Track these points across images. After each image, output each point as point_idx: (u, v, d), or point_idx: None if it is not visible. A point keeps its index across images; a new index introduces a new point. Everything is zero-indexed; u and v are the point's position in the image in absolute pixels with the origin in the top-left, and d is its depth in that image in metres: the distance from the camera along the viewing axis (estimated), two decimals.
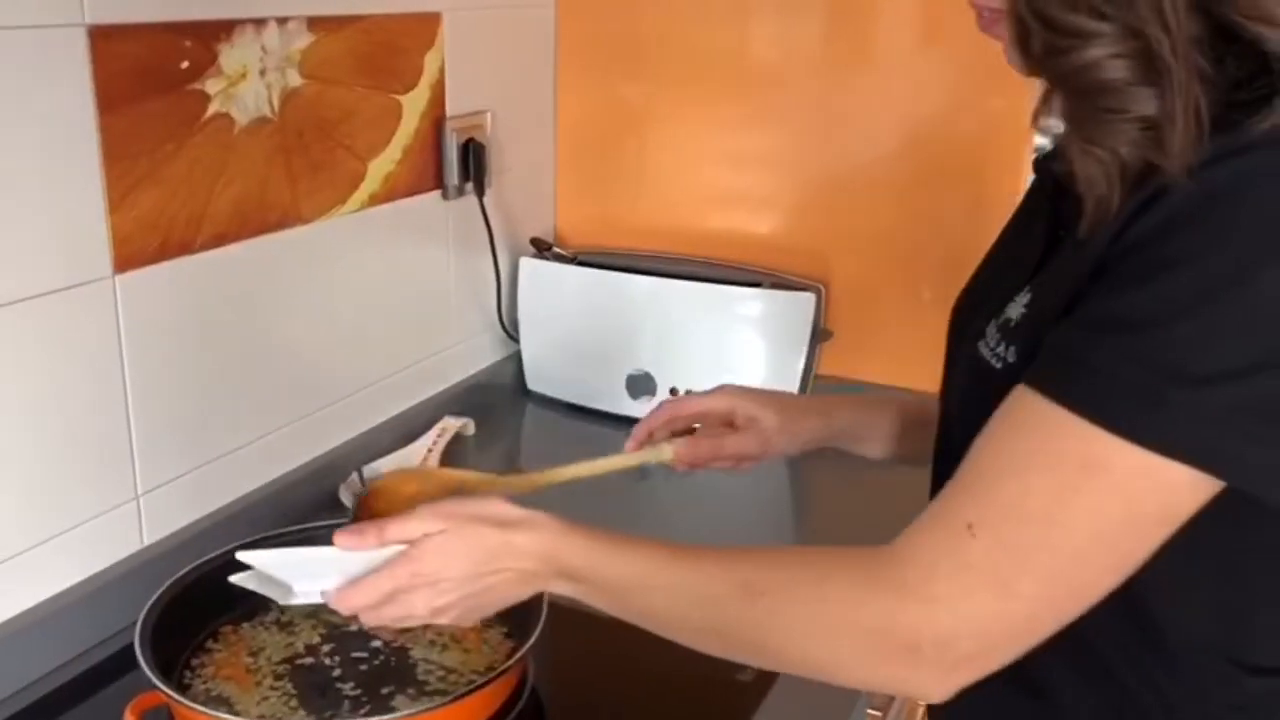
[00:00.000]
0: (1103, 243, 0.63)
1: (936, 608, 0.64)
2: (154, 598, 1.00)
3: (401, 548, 0.77)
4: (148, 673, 0.92)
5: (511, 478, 0.98)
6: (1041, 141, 1.59)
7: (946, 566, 0.64)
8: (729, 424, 0.99)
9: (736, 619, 0.72)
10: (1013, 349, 0.69)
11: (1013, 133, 1.52)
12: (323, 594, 0.80)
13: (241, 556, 0.82)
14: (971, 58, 1.50)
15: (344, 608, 0.79)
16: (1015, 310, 0.71)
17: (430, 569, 0.76)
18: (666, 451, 0.98)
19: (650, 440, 1.00)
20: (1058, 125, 0.69)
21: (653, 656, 1.10)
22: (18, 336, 0.99)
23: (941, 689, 0.67)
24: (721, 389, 1.00)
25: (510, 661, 0.97)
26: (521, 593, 0.79)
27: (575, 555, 0.76)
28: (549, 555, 0.77)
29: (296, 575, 0.81)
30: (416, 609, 0.78)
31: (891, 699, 1.18)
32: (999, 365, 0.70)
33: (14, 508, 1.01)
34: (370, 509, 0.96)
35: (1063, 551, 0.63)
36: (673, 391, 1.60)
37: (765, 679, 1.06)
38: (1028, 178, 1.52)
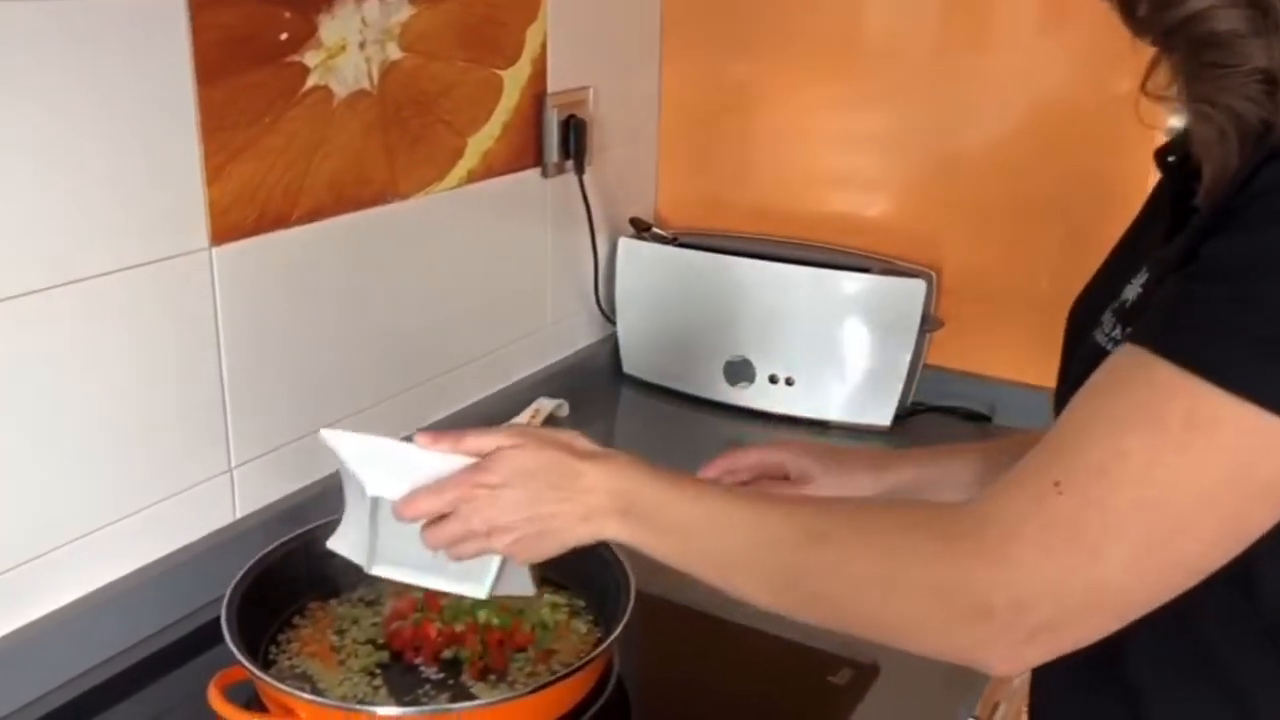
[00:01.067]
0: (1220, 199, 0.59)
1: (1015, 569, 0.60)
2: (241, 572, 1.00)
3: (474, 460, 0.78)
4: (232, 648, 0.91)
5: None
6: (1173, 123, 1.52)
7: (1029, 526, 0.60)
8: (784, 476, 0.97)
9: (802, 566, 0.69)
10: (1127, 331, 0.65)
11: (1141, 122, 1.42)
12: (390, 499, 0.80)
13: (325, 434, 0.83)
14: (1097, 38, 1.42)
15: (406, 515, 0.78)
16: (1132, 291, 0.68)
17: (497, 479, 0.76)
18: None
19: None
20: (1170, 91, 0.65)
21: (744, 652, 1.08)
22: (116, 307, 0.99)
23: (1012, 660, 0.62)
24: (781, 444, 0.99)
25: (596, 651, 0.94)
26: (581, 532, 0.77)
27: (647, 492, 0.75)
28: (621, 491, 0.75)
29: (371, 471, 0.81)
30: (475, 523, 0.76)
31: (996, 706, 1.13)
32: (1111, 347, 0.65)
33: (110, 478, 1.02)
34: None
35: (1160, 516, 0.57)
36: (771, 380, 1.55)
37: (860, 682, 1.02)
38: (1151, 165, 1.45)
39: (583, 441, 0.79)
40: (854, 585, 0.66)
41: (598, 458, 0.77)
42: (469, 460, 0.79)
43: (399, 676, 0.97)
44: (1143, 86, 0.67)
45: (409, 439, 0.81)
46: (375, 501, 0.81)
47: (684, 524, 0.74)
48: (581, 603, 1.07)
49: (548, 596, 1.07)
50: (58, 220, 0.93)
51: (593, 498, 0.76)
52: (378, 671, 0.97)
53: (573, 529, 0.77)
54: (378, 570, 0.87)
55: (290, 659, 1.00)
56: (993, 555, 0.60)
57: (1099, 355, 0.65)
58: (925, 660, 1.05)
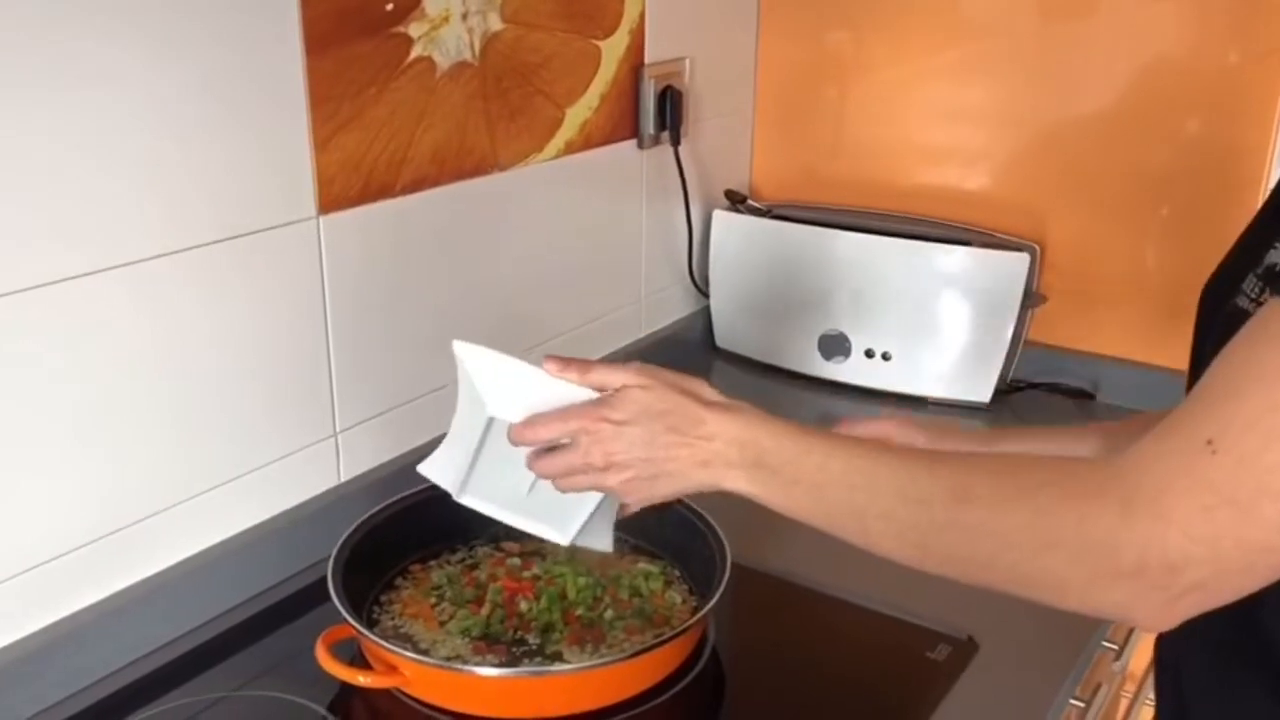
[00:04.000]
0: None
1: (1169, 528, 0.58)
2: (347, 534, 1.02)
3: (599, 394, 0.78)
4: (339, 607, 0.93)
5: None
6: None
7: (1183, 484, 0.58)
8: None
9: (945, 524, 0.67)
10: (1271, 292, 0.62)
11: (1254, 87, 1.37)
12: (508, 421, 0.80)
13: (456, 345, 0.84)
14: (1208, 6, 1.37)
15: (524, 439, 0.79)
16: (1277, 256, 0.65)
17: (620, 416, 0.76)
18: None
19: None
20: None
21: (840, 625, 1.07)
22: (226, 274, 1.02)
23: (1163, 617, 0.61)
24: (887, 418, 1.01)
25: (692, 619, 0.94)
26: (702, 478, 0.76)
27: (776, 443, 0.74)
28: (747, 440, 0.74)
29: (494, 390, 0.82)
30: (593, 456, 0.77)
31: (1097, 688, 1.10)
32: (1254, 310, 0.63)
33: (218, 441, 1.05)
34: None
35: None
36: (868, 354, 1.54)
37: (959, 657, 1.01)
38: (1276, 141, 1.40)
39: (709, 390, 0.78)
40: (1001, 545, 0.65)
41: (723, 408, 0.76)
42: (593, 393, 0.79)
43: (496, 640, 0.98)
44: None
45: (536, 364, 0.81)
46: (490, 422, 0.81)
47: (814, 477, 0.73)
48: (677, 572, 1.08)
49: (643, 564, 1.07)
50: (170, 189, 0.96)
51: (714, 445, 0.75)
52: (476, 634, 0.99)
53: (690, 474, 0.77)
54: (466, 499, 0.87)
55: (393, 619, 1.02)
56: (1147, 512, 0.59)
57: (1241, 318, 0.63)
58: (1024, 636, 1.04)
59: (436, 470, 0.89)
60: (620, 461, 0.77)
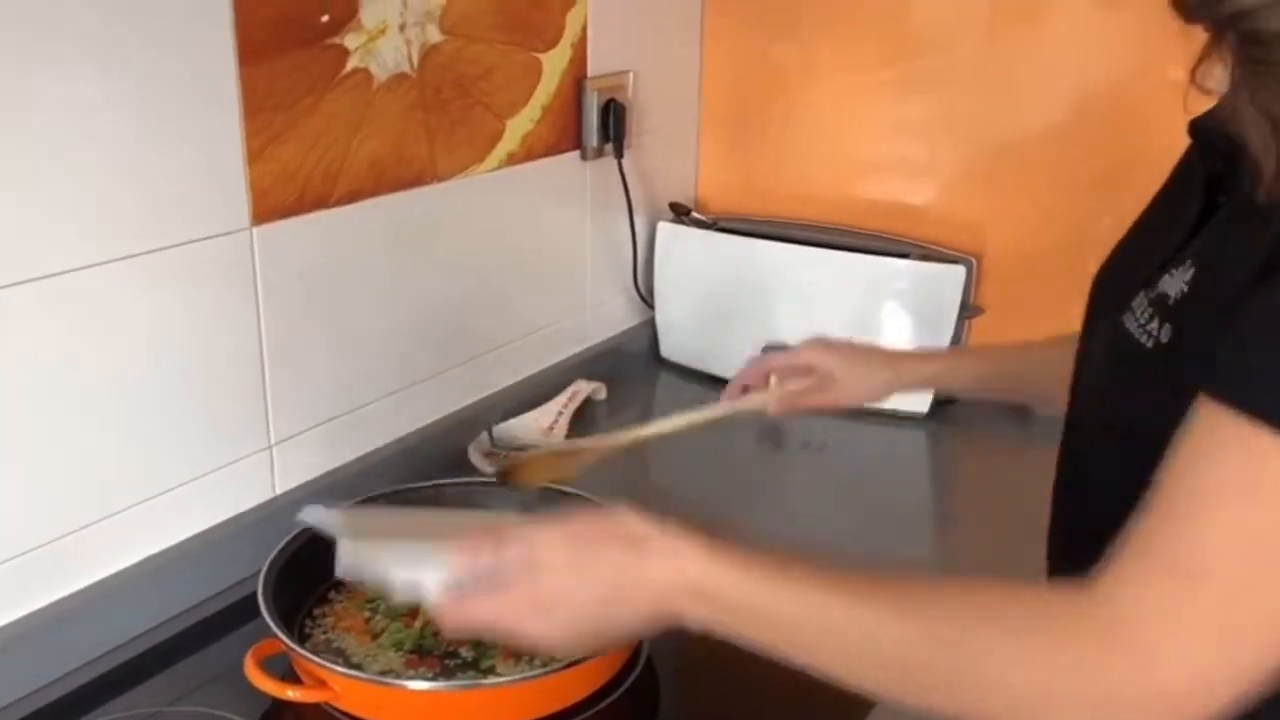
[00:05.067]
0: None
1: (1166, 670, 0.56)
2: (279, 547, 1.01)
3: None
4: (269, 621, 0.93)
5: (617, 435, 1.06)
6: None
7: (1170, 619, 0.57)
8: (811, 374, 1.07)
9: (923, 667, 0.63)
10: (1167, 328, 0.63)
11: (1194, 106, 1.39)
12: (423, 588, 0.75)
13: (308, 517, 0.84)
14: (1148, 22, 1.37)
15: (451, 622, 0.73)
16: (1174, 286, 0.64)
17: (547, 596, 0.70)
18: (756, 401, 1.07)
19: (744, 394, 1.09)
20: (1220, 83, 0.63)
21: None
22: (157, 284, 1.01)
23: None
24: (809, 344, 1.08)
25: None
26: (651, 626, 0.71)
27: (727, 585, 0.67)
28: (693, 587, 0.68)
29: (394, 564, 0.78)
30: (526, 634, 0.71)
31: None
32: (1149, 343, 0.64)
33: (150, 453, 1.04)
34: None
35: None
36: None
37: None
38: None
39: (636, 523, 0.71)
40: (987, 690, 0.61)
41: (658, 549, 0.69)
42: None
43: (429, 653, 0.98)
44: (1192, 78, 0.64)
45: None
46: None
47: (779, 621, 0.67)
48: None
49: None
50: (100, 199, 0.95)
51: (662, 594, 0.69)
52: (409, 648, 0.98)
53: (641, 627, 0.72)
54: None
55: (325, 633, 1.01)
56: (1143, 655, 0.57)
57: (1132, 347, 0.64)
58: None
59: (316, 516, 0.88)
60: (555, 636, 0.72)
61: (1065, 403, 0.92)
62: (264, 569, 0.98)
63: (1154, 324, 0.65)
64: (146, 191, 0.98)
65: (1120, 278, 0.73)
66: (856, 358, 1.07)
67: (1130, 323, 0.67)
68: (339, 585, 1.07)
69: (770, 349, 1.51)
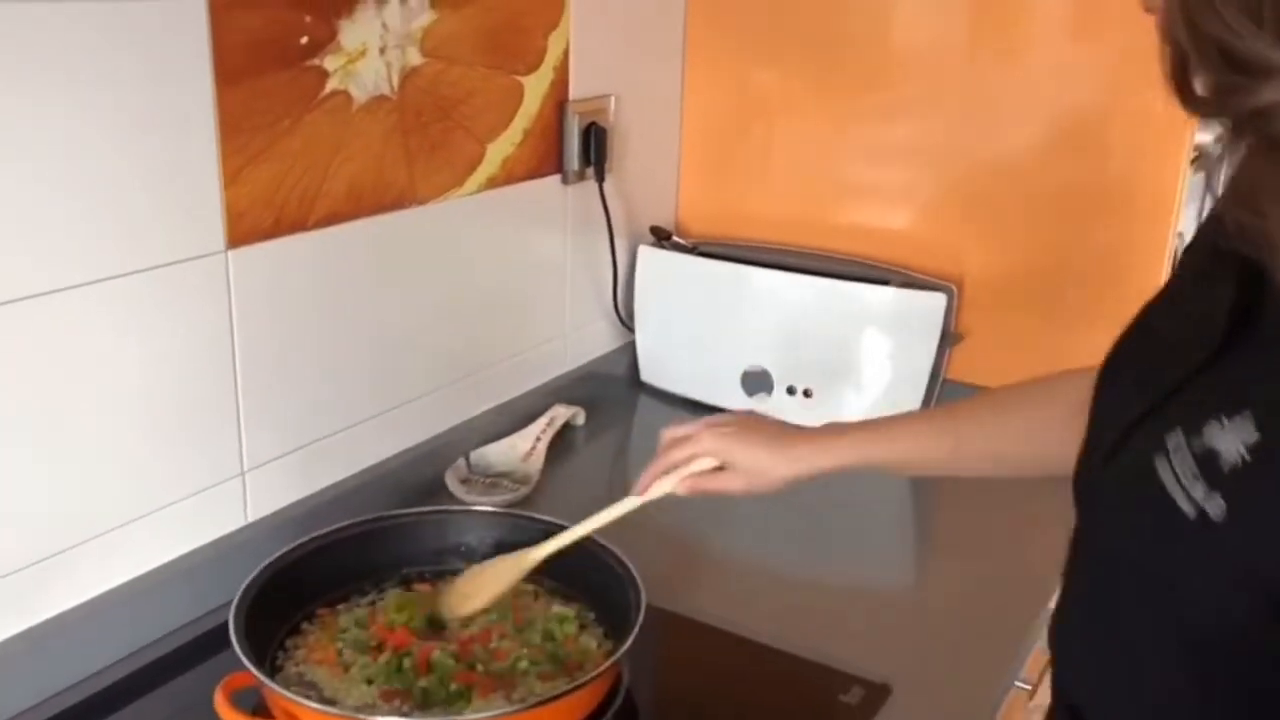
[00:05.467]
0: None
1: None
2: (250, 578, 0.99)
3: None
4: (239, 654, 0.90)
5: (543, 548, 1.02)
6: (1202, 139, 1.49)
7: None
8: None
9: None
10: (1218, 502, 0.53)
11: (1170, 134, 1.41)
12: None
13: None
14: (1128, 51, 1.40)
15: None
16: (1227, 444, 0.53)
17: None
18: (666, 486, 1.00)
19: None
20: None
21: (755, 668, 1.06)
22: (130, 308, 0.99)
23: None
24: (712, 426, 1.01)
25: (604, 666, 0.93)
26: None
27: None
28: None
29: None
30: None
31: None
32: (1191, 512, 0.54)
33: (119, 480, 1.02)
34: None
35: None
36: (789, 391, 1.54)
37: (872, 700, 1.00)
38: (1184, 181, 1.44)
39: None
40: None
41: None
42: None
43: (402, 687, 0.96)
44: (1208, 183, 0.59)
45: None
46: None
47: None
48: (592, 615, 1.06)
49: (557, 608, 1.06)
50: (72, 220, 0.93)
51: None
52: (382, 681, 0.96)
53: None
54: None
55: (297, 665, 0.99)
56: None
57: (1169, 511, 0.55)
58: (938, 679, 1.04)
59: None
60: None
61: (1024, 471, 0.94)
62: (235, 600, 0.96)
63: (1199, 488, 0.54)
64: (118, 213, 0.96)
65: (1144, 379, 0.63)
66: (761, 445, 0.98)
67: (1164, 472, 0.56)
68: (312, 617, 1.05)
69: (750, 374, 1.51)
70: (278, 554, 1.03)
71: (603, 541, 1.04)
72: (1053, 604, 0.74)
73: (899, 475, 1.08)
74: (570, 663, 0.99)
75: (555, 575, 1.07)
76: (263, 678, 0.89)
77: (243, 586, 0.98)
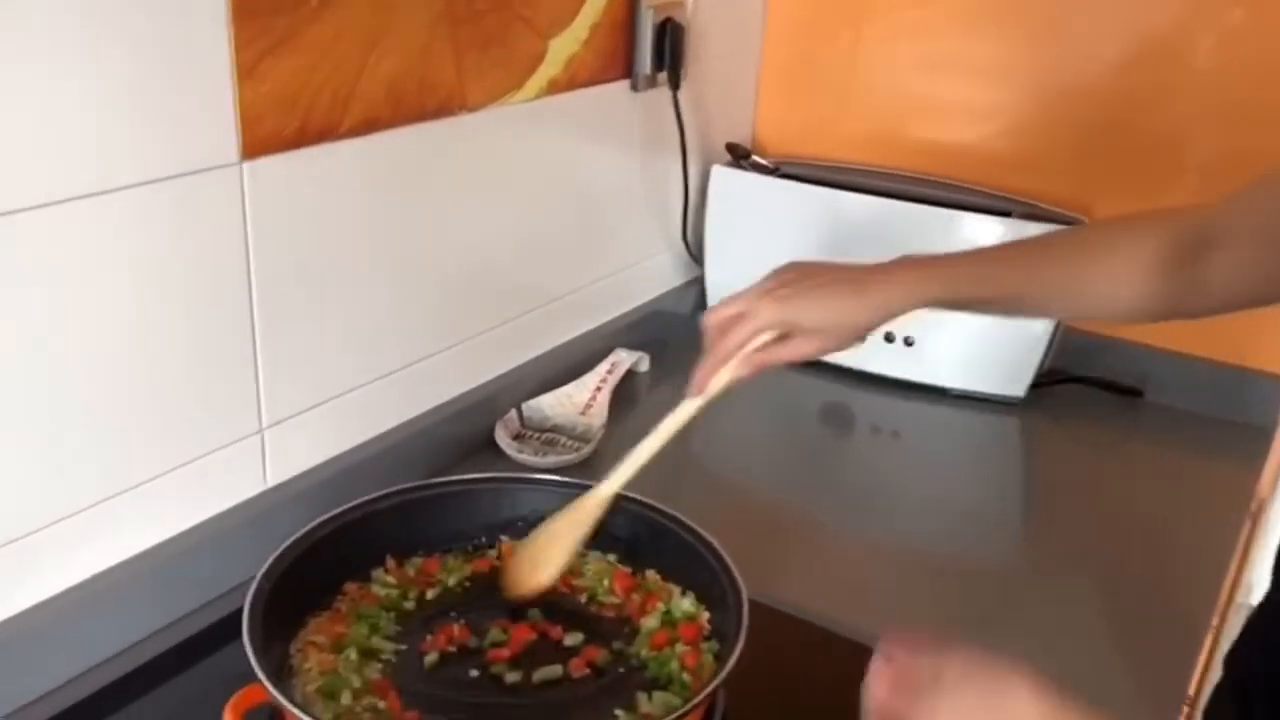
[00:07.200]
0: None
1: None
2: (270, 561, 0.81)
3: None
4: (256, 669, 0.72)
5: (608, 483, 0.89)
6: None
7: None
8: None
9: None
10: None
11: None
12: None
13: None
14: None
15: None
16: None
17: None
18: (727, 376, 0.88)
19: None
20: None
21: (854, 668, 0.89)
22: (126, 231, 0.80)
23: None
24: (761, 301, 0.88)
25: (713, 684, 0.75)
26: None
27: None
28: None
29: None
30: None
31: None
32: None
33: (116, 438, 0.83)
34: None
35: None
36: (887, 338, 1.34)
37: None
38: None
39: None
40: None
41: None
42: None
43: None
44: None
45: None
46: None
47: None
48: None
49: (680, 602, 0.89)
50: (42, 123, 0.73)
51: None
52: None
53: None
54: None
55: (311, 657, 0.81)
56: None
57: None
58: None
59: None
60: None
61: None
62: (248, 599, 0.77)
63: None
64: (102, 115, 0.76)
65: None
66: (834, 296, 0.87)
67: None
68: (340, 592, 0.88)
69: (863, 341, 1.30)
70: (297, 536, 0.85)
71: (694, 528, 0.88)
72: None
73: (977, 311, 0.97)
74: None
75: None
76: (283, 699, 0.71)
77: (254, 585, 0.79)
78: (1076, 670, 0.70)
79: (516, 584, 0.87)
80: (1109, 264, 0.88)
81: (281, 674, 0.79)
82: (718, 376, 0.87)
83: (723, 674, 0.75)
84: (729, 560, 0.84)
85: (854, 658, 0.66)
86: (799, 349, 0.87)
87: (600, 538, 0.90)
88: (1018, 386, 1.31)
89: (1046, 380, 1.33)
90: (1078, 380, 1.35)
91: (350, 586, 0.89)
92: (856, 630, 0.88)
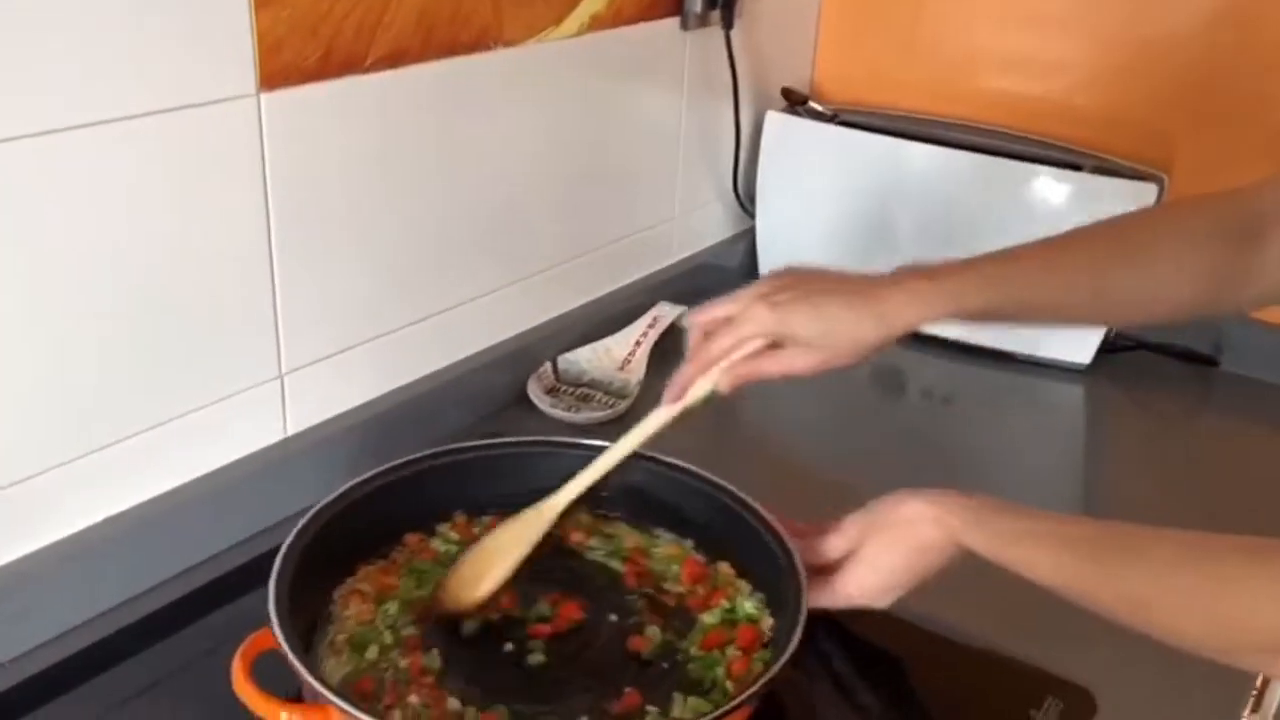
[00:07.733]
0: None
1: None
2: (296, 530, 0.76)
3: None
4: (280, 640, 0.68)
5: (560, 495, 0.84)
6: None
7: None
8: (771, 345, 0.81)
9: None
10: None
11: None
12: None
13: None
14: None
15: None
16: None
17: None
18: (707, 384, 0.82)
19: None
20: None
21: (939, 665, 0.83)
22: (132, 163, 0.76)
23: None
24: (755, 305, 0.79)
25: (767, 674, 0.69)
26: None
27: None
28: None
29: None
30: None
31: None
32: None
33: (124, 382, 0.80)
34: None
35: None
36: None
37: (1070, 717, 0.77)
38: None
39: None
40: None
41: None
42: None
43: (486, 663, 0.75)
44: None
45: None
46: None
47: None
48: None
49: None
50: (41, 45, 0.69)
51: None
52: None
53: None
54: None
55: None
56: None
57: None
58: (1150, 690, 0.81)
59: None
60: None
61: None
62: (275, 568, 0.72)
63: None
64: (106, 37, 0.72)
65: None
66: (836, 306, 0.78)
67: None
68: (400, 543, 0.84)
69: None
70: (324, 502, 0.79)
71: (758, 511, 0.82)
72: None
73: (999, 324, 0.92)
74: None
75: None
76: (303, 670, 0.67)
77: (288, 542, 0.75)
78: (1143, 649, 0.65)
79: (452, 598, 0.79)
80: (1148, 259, 0.80)
81: (316, 621, 0.76)
82: (697, 385, 0.81)
83: (749, 691, 0.69)
84: (798, 563, 0.77)
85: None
86: (790, 362, 0.79)
87: (675, 519, 0.86)
88: (1083, 353, 1.24)
89: (1114, 346, 1.26)
90: (1148, 347, 1.27)
91: (411, 538, 0.85)
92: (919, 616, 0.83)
